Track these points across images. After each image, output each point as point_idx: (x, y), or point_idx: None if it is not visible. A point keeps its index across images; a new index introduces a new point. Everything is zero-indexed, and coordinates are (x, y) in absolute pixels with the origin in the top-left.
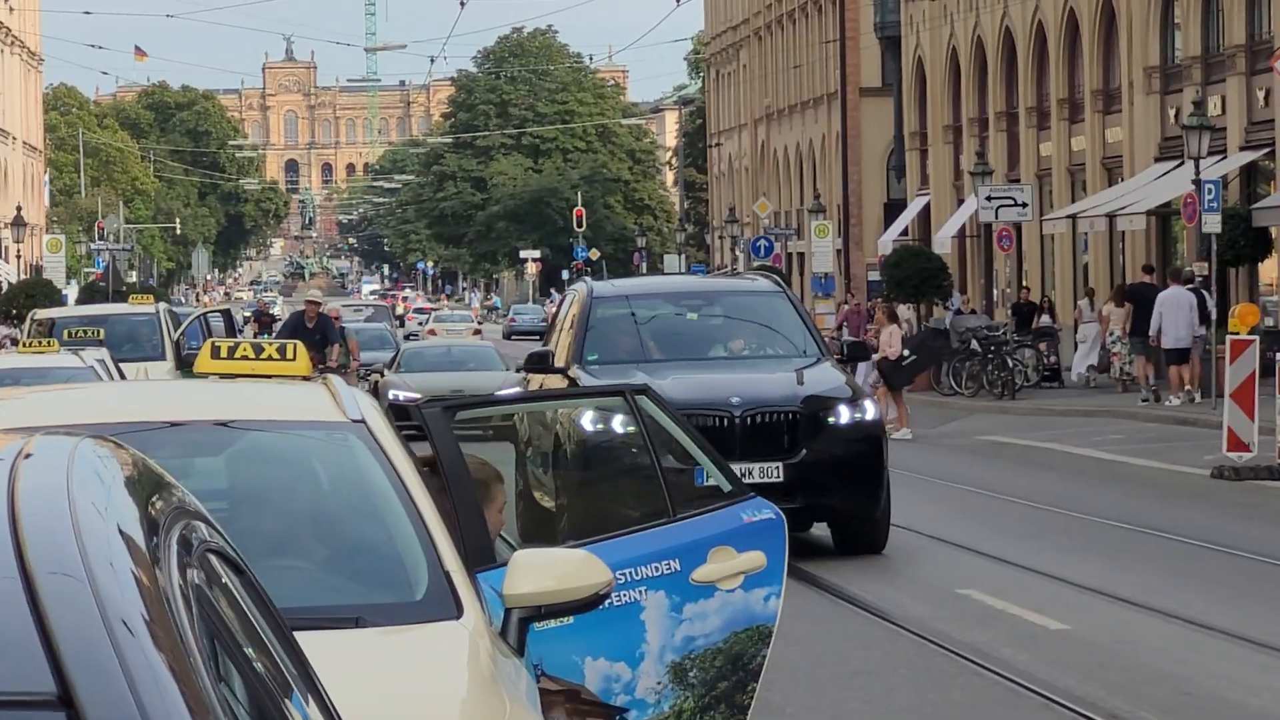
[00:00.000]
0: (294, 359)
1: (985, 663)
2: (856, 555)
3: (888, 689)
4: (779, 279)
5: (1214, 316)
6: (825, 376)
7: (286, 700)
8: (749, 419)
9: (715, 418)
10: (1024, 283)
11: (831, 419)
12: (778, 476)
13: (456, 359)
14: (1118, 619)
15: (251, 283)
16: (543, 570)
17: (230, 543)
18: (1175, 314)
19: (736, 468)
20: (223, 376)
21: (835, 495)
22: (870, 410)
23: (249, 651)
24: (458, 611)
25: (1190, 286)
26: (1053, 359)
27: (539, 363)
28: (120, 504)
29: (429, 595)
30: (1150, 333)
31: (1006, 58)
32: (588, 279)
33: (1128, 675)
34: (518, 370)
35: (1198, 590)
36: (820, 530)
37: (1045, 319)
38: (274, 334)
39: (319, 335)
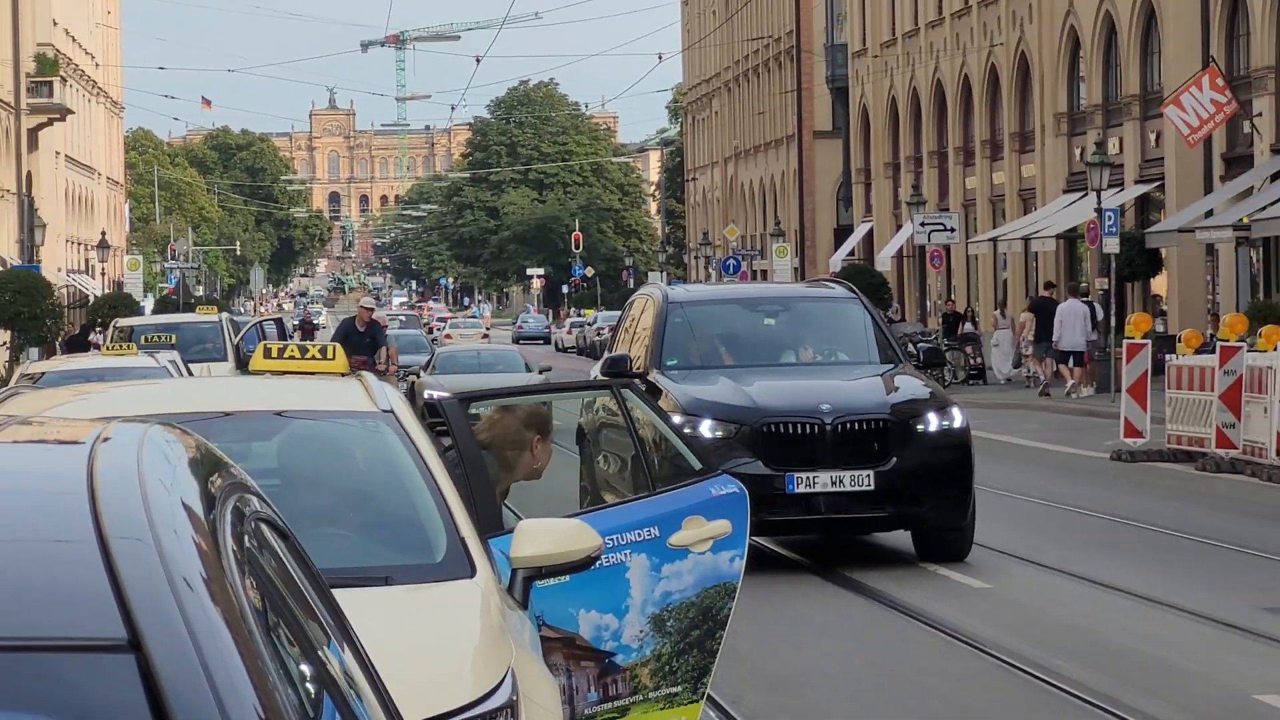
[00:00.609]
0: (333, 359)
1: (922, 617)
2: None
3: (837, 640)
4: (852, 286)
5: (1113, 324)
6: (910, 383)
7: (325, 648)
8: (840, 426)
9: (806, 425)
10: (951, 295)
11: (920, 426)
12: (868, 485)
13: (485, 362)
14: (1032, 579)
15: (294, 296)
16: (543, 536)
17: (278, 513)
18: (1073, 323)
19: (827, 475)
20: (274, 373)
21: (925, 504)
22: (957, 417)
23: (294, 606)
24: (471, 571)
25: (1085, 300)
26: (978, 360)
27: (617, 368)
28: (184, 480)
29: (447, 558)
30: (1054, 339)
31: (938, 105)
32: (661, 283)
33: (1043, 628)
34: (540, 371)
35: (1101, 555)
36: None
37: (969, 326)
38: (316, 338)
39: (369, 339)
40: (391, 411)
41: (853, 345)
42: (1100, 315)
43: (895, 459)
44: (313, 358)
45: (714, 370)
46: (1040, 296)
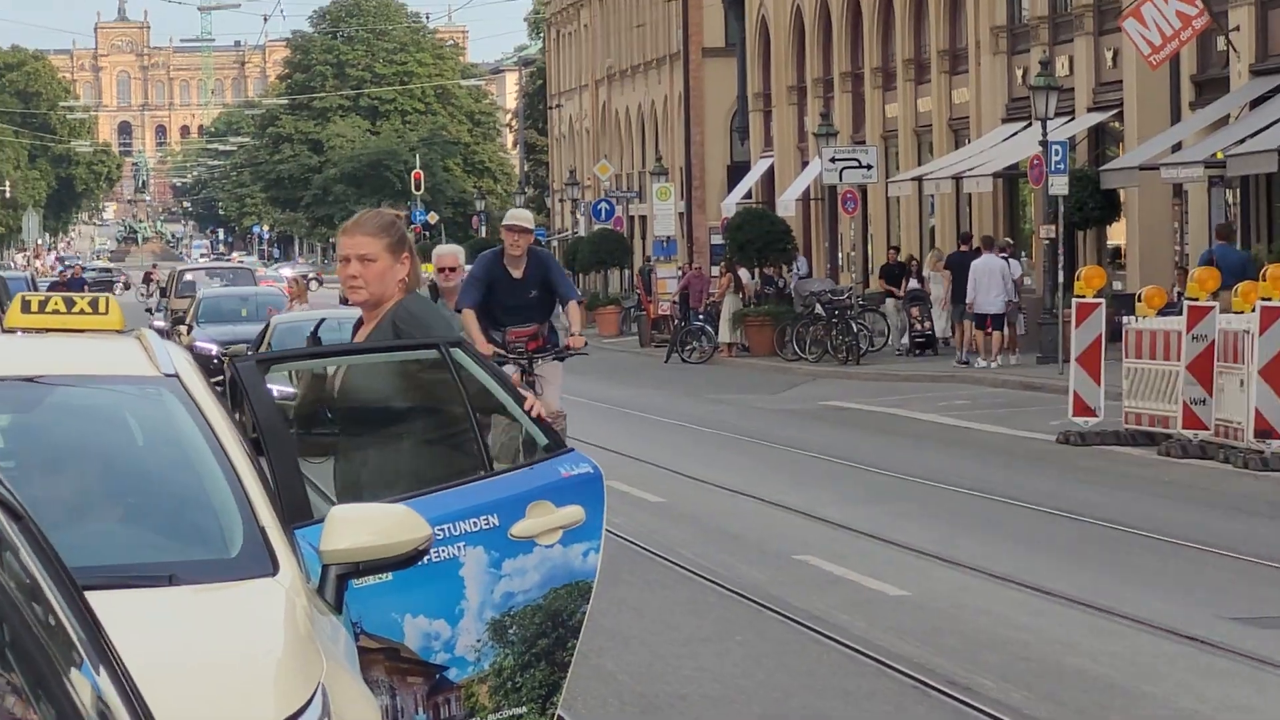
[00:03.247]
0: (106, 313)
1: (822, 629)
2: (687, 518)
3: (721, 656)
4: None
5: (1060, 279)
6: None
7: (75, 669)
8: None
9: None
10: (889, 244)
11: None
12: None
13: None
14: (957, 585)
15: (59, 258)
16: (360, 526)
17: (12, 492)
18: (988, 282)
19: None
20: (32, 331)
21: None
22: None
23: (30, 615)
24: (273, 568)
25: (1003, 255)
26: (927, 325)
27: None
28: None
29: (244, 552)
30: (967, 300)
31: (851, 17)
32: None
33: (966, 641)
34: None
35: (1039, 555)
36: (646, 487)
37: (914, 283)
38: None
39: (535, 289)
40: (176, 376)
41: None
42: (1016, 273)
43: None
44: (81, 312)
45: None
46: (955, 251)
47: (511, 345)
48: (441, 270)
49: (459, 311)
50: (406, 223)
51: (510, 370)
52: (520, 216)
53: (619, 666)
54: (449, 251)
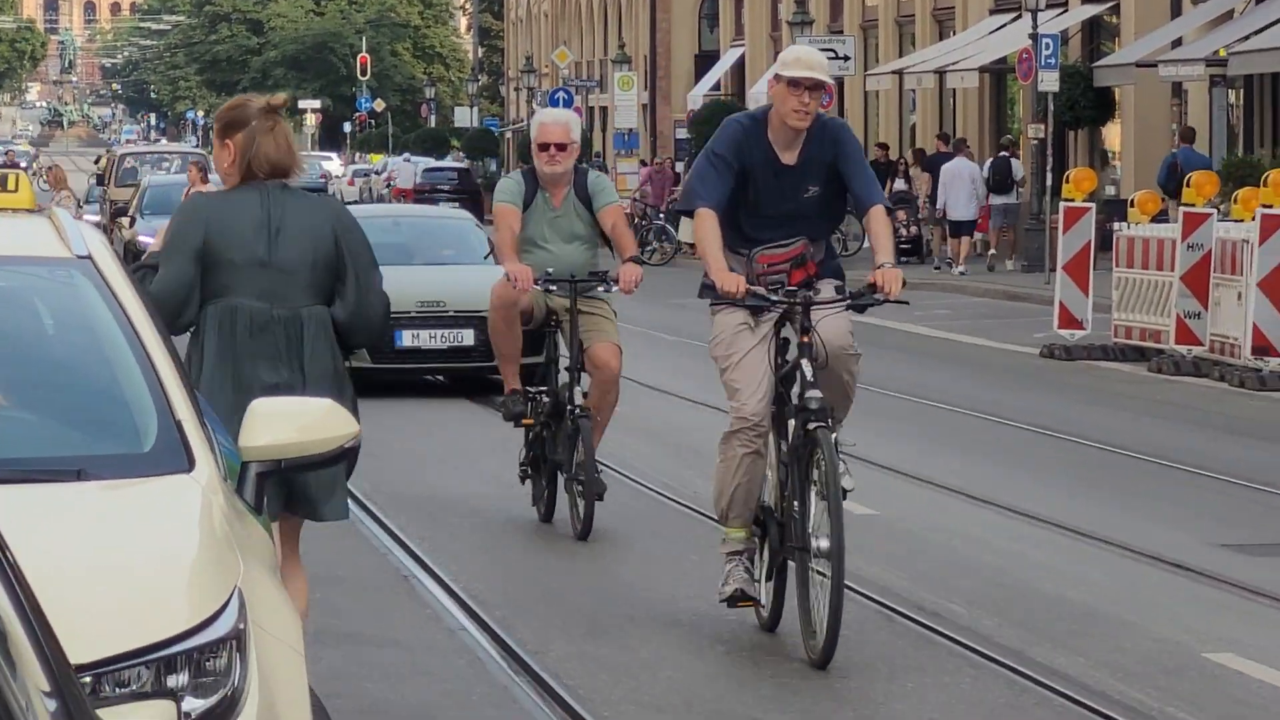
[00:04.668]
0: (15, 190)
1: None
2: (643, 430)
3: (677, 578)
4: None
5: (1048, 182)
6: None
7: None
8: None
9: None
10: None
11: None
12: None
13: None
14: (930, 505)
15: None
16: (283, 420)
17: None
18: (957, 186)
19: None
20: None
21: None
22: None
23: None
24: (189, 464)
25: (1004, 154)
26: (914, 230)
27: None
28: None
29: (158, 446)
30: (938, 205)
31: None
32: None
33: (936, 564)
34: None
35: (1019, 476)
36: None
37: (900, 183)
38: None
39: (816, 184)
40: (89, 258)
41: None
42: (1019, 174)
43: None
44: None
45: None
46: (937, 151)
47: (765, 278)
48: (544, 149)
49: (688, 213)
50: (331, 111)
51: (767, 326)
52: (812, 62)
53: (564, 584)
54: (556, 121)
